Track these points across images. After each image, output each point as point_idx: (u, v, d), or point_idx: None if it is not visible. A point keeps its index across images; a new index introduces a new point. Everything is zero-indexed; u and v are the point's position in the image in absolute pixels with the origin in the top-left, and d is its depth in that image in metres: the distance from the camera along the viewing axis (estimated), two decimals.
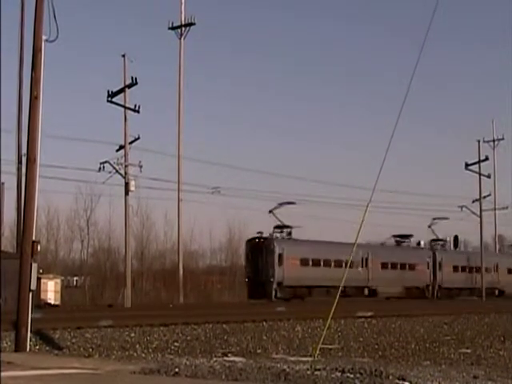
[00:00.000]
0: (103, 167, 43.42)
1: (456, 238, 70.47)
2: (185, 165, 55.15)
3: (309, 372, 12.94)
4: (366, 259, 59.20)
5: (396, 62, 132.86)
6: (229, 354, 18.10)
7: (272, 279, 52.84)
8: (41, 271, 37.34)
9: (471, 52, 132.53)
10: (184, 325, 24.99)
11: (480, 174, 64.41)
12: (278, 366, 13.80)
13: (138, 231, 64.89)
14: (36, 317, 18.95)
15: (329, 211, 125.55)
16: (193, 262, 68.16)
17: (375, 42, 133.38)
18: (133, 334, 22.21)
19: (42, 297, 42.49)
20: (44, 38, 17.22)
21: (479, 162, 64.15)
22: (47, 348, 18.85)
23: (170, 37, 56.76)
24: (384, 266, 61.09)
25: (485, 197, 66.12)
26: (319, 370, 13.22)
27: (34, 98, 17.17)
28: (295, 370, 13.07)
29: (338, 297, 18.27)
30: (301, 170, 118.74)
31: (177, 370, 13.11)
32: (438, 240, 68.31)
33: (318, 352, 17.40)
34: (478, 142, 65.11)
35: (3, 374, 11.83)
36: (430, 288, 64.67)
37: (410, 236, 66.22)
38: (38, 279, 21.94)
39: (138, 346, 19.79)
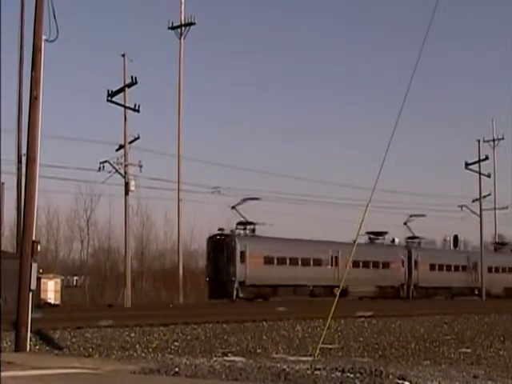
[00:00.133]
0: (103, 167, 43.44)
1: (456, 237, 70.45)
2: (185, 165, 55.19)
3: (309, 372, 12.94)
4: (336, 257, 57.12)
5: (396, 61, 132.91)
6: (229, 354, 18.10)
7: (233, 278, 50.55)
8: (41, 271, 37.34)
9: (471, 52, 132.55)
10: (184, 325, 25.00)
11: (480, 174, 64.41)
12: (278, 365, 13.81)
13: (138, 231, 64.99)
14: (36, 317, 18.94)
15: (329, 211, 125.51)
16: (193, 262, 68.16)
17: (375, 42, 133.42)
18: (133, 334, 22.22)
19: (42, 296, 42.50)
20: (44, 37, 17.22)
21: (479, 161, 64.16)
22: (47, 348, 18.85)
23: (169, 37, 56.77)
24: (355, 264, 57.35)
25: (485, 196, 66.12)
26: (319, 369, 13.23)
27: (33, 98, 17.17)
28: (295, 370, 13.07)
29: (337, 297, 18.26)
30: (301, 170, 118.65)
31: (177, 369, 13.12)
32: (415, 237, 66.00)
33: (317, 352, 17.40)
34: (478, 141, 65.13)
35: (3, 373, 11.83)
36: (405, 287, 62.59)
37: (385, 233, 63.76)
38: (38, 279, 21.95)
39: (137, 345, 19.79)
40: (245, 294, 50.68)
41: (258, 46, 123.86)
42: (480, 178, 64.53)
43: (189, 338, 22.23)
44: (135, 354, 17.45)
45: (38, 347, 18.65)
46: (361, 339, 23.24)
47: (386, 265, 60.95)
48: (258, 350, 19.56)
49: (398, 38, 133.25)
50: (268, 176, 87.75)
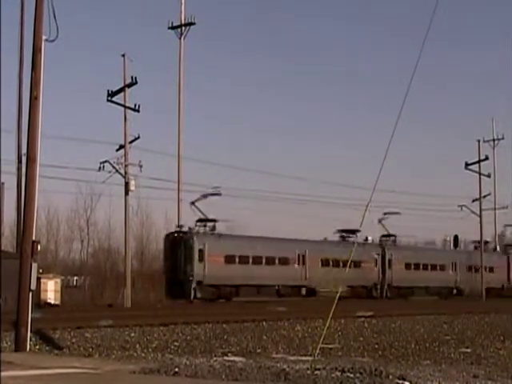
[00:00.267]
0: (103, 167, 43.42)
1: (456, 237, 70.41)
2: (185, 165, 55.29)
3: (309, 371, 12.94)
4: (303, 256, 55.09)
5: (396, 61, 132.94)
6: (229, 354, 18.09)
7: (191, 278, 48.29)
8: (41, 271, 37.30)
9: (471, 52, 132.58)
10: (184, 325, 25.02)
11: (480, 174, 64.41)
12: (278, 365, 13.81)
13: (138, 231, 64.90)
14: (36, 317, 18.96)
15: (329, 211, 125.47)
16: None
17: (375, 42, 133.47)
18: (133, 334, 22.23)
19: (42, 297, 42.45)
20: (44, 37, 17.23)
21: (479, 161, 64.17)
22: (47, 348, 18.84)
23: (170, 37, 56.85)
24: (324, 263, 56.62)
25: (485, 196, 66.12)
26: (319, 369, 13.23)
27: (33, 98, 17.18)
28: (295, 370, 13.07)
29: (337, 297, 18.25)
30: (301, 170, 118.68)
31: (177, 369, 13.13)
32: (389, 235, 63.72)
33: (317, 351, 17.40)
34: (478, 141, 65.13)
35: (3, 373, 11.83)
36: (379, 287, 60.61)
37: (357, 231, 60.02)
38: (38, 279, 21.99)
39: (137, 345, 19.78)
40: (203, 295, 48.60)
41: (258, 46, 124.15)
42: (480, 178, 64.55)
43: (189, 337, 22.23)
44: (135, 354, 17.45)
45: (37, 347, 18.64)
46: (361, 339, 23.23)
47: (357, 264, 58.10)
48: (258, 350, 19.55)
49: (398, 38, 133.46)
50: (268, 176, 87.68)
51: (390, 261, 61.35)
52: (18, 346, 16.67)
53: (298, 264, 54.77)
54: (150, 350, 18.94)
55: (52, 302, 43.34)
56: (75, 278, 64.19)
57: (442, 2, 17.43)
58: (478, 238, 67.39)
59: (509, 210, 72.26)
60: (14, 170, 39.53)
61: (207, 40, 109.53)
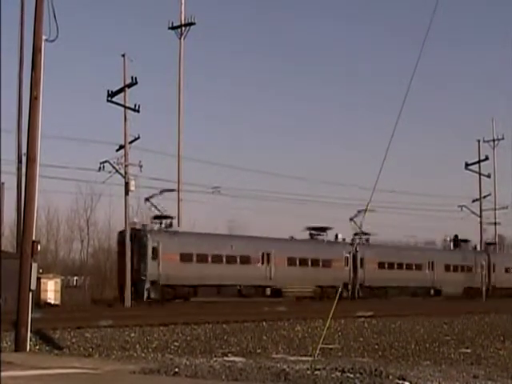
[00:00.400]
0: (103, 167, 43.50)
1: (456, 237, 70.33)
2: (185, 165, 55.34)
3: (309, 372, 12.94)
4: (268, 255, 52.37)
5: (396, 61, 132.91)
6: (229, 354, 18.09)
7: (143, 277, 45.88)
8: (41, 271, 37.30)
9: (471, 52, 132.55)
10: (184, 325, 25.04)
11: (480, 174, 64.48)
12: (278, 365, 13.81)
13: None
14: (36, 317, 18.96)
15: (329, 211, 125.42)
16: None
17: (375, 42, 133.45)
18: (133, 334, 22.24)
19: (42, 297, 42.48)
20: (44, 37, 17.23)
21: (479, 161, 64.26)
22: (47, 348, 18.85)
23: (170, 37, 56.87)
24: (291, 262, 53.86)
25: (485, 196, 66.18)
26: (319, 369, 13.23)
27: (33, 98, 17.18)
28: (295, 370, 13.07)
29: (337, 296, 18.25)
30: (301, 170, 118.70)
31: (177, 369, 13.13)
32: (362, 233, 61.07)
33: (317, 352, 17.39)
34: (478, 141, 65.25)
35: (3, 373, 11.83)
36: (350, 287, 57.29)
37: (327, 229, 58.69)
38: (38, 279, 21.99)
39: (137, 345, 19.79)
40: (158, 295, 46.25)
41: (258, 46, 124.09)
42: (480, 178, 64.63)
43: (189, 338, 22.24)
44: (135, 354, 17.45)
45: (37, 347, 18.65)
46: (361, 339, 23.23)
47: (326, 263, 56.18)
48: (258, 350, 19.55)
49: (398, 38, 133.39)
50: (268, 176, 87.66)
51: (362, 260, 58.76)
52: (18, 346, 16.67)
53: (262, 263, 52.16)
54: (150, 350, 18.94)
55: (52, 302, 43.37)
56: (75, 278, 64.16)
57: (442, 2, 17.42)
58: (470, 237, 67.08)
59: (509, 210, 72.30)
60: (14, 170, 39.61)
61: (207, 40, 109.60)
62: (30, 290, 16.71)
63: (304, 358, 16.60)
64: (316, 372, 12.93)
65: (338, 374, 12.77)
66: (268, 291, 52.21)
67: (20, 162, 37.67)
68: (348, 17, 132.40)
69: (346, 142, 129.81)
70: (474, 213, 65.45)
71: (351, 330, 26.08)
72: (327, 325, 18.25)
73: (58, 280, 45.23)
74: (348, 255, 58.10)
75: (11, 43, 40.43)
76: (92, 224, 64.12)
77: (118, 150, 44.15)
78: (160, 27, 76.17)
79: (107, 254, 63.70)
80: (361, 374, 12.71)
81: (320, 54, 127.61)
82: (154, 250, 46.62)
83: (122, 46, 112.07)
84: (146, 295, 45.71)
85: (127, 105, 43.93)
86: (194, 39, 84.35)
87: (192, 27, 55.46)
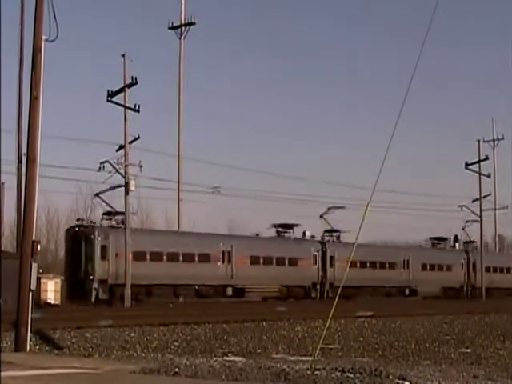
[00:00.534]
0: (103, 167, 43.44)
1: (456, 237, 70.25)
2: (185, 165, 55.42)
3: (309, 372, 12.94)
4: (229, 252, 49.85)
5: (396, 61, 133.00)
6: (229, 354, 18.10)
7: (92, 277, 43.50)
8: (41, 271, 37.26)
9: (471, 52, 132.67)
10: (184, 325, 25.04)
11: (480, 174, 64.38)
12: (278, 365, 13.81)
13: None
14: (36, 317, 18.96)
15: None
16: None
17: (375, 42, 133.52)
18: (133, 334, 22.24)
19: (42, 296, 42.45)
20: (44, 37, 17.23)
21: (479, 161, 64.13)
22: (47, 348, 18.86)
23: (170, 37, 56.95)
24: (254, 260, 51.11)
25: (485, 196, 66.05)
26: (319, 369, 13.23)
27: (33, 98, 17.18)
28: (295, 370, 13.07)
29: (337, 296, 18.25)
30: (301, 170, 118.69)
31: (177, 369, 13.13)
32: (332, 231, 58.12)
33: (317, 352, 17.40)
34: (478, 141, 65.07)
35: (3, 373, 11.83)
36: (318, 286, 54.99)
37: (295, 225, 56.11)
38: (38, 279, 21.98)
39: (137, 345, 19.80)
40: (107, 296, 43.67)
41: (258, 46, 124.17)
42: (480, 178, 64.50)
43: (189, 338, 22.24)
44: (135, 354, 17.46)
45: (37, 347, 18.66)
46: (361, 339, 23.24)
47: (292, 261, 53.54)
48: (258, 350, 19.56)
49: (398, 38, 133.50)
50: (268, 176, 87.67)
51: (331, 258, 55.74)
52: (18, 346, 16.67)
53: (223, 261, 49.62)
54: (149, 350, 18.95)
55: (52, 301, 43.33)
56: None
57: (442, 2, 17.44)
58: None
59: (509, 210, 72.29)
60: (14, 170, 39.58)
61: (207, 40, 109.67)
62: (29, 289, 16.71)
63: (304, 358, 16.61)
64: (316, 372, 12.93)
65: (338, 373, 12.77)
66: (229, 291, 49.89)
67: (20, 162, 37.66)
68: (348, 17, 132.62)
69: (346, 142, 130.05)
70: (474, 213, 65.35)
71: (351, 330, 26.09)
72: (327, 325, 18.26)
73: (58, 280, 45.16)
74: (316, 253, 55.58)
75: (11, 43, 40.41)
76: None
77: (117, 150, 44.11)
78: (160, 27, 76.24)
79: None
80: (361, 373, 12.72)
81: (320, 54, 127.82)
82: (104, 248, 44.29)
83: (122, 46, 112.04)
84: (94, 295, 43.52)
85: (127, 105, 43.89)
86: (193, 39, 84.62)
87: (192, 27, 55.59)
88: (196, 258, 48.29)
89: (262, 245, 53.31)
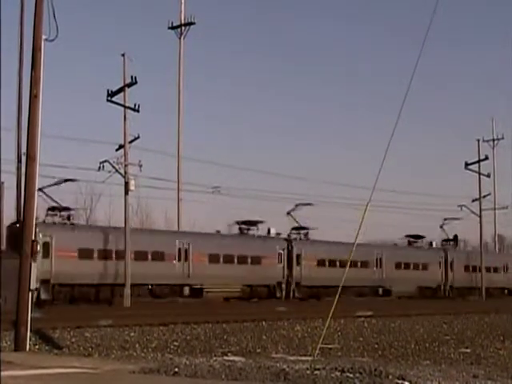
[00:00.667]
0: (103, 166, 43.43)
1: (456, 237, 70.25)
2: (185, 165, 55.45)
3: (308, 371, 12.94)
4: (186, 250, 48.06)
5: (396, 61, 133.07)
6: (228, 354, 18.10)
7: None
8: None
9: (471, 52, 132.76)
10: (184, 324, 25.02)
11: (480, 174, 64.41)
12: (278, 365, 13.81)
13: None
14: (36, 316, 18.96)
15: (329, 211, 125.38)
16: None
17: (375, 42, 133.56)
18: (132, 334, 22.23)
19: None
20: (44, 37, 17.23)
21: (479, 161, 64.17)
22: (47, 347, 18.85)
23: (170, 37, 56.97)
24: (213, 259, 49.31)
25: (484, 196, 66.10)
26: (319, 369, 13.22)
27: (33, 97, 17.18)
28: (295, 370, 13.07)
29: (337, 296, 18.24)
30: (301, 170, 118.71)
31: (176, 369, 13.12)
32: (300, 228, 56.13)
33: (317, 351, 17.39)
34: (478, 141, 65.15)
35: (3, 373, 11.82)
36: (284, 286, 53.01)
37: (258, 222, 53.99)
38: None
39: (137, 345, 19.79)
40: (49, 296, 41.53)
41: (258, 46, 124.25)
42: (480, 178, 64.54)
43: (188, 337, 22.23)
44: (135, 354, 17.45)
45: (37, 347, 18.65)
46: (361, 339, 23.23)
47: (256, 260, 51.37)
48: (258, 350, 19.55)
49: (398, 38, 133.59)
50: (268, 176, 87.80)
51: (298, 256, 53.70)
52: (18, 346, 16.66)
53: (179, 260, 47.77)
54: (149, 349, 18.94)
55: None
56: None
57: (442, 2, 17.43)
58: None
59: (509, 210, 72.33)
60: (13, 169, 39.57)
61: (207, 40, 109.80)
62: (29, 289, 16.71)
63: (304, 358, 16.60)
64: (316, 372, 12.92)
65: (338, 373, 12.77)
66: (186, 291, 48.08)
67: (20, 161, 37.65)
68: (348, 17, 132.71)
69: (346, 142, 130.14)
70: (473, 212, 65.39)
71: (351, 330, 26.08)
72: (327, 324, 18.25)
73: None
74: (282, 251, 53.33)
75: (11, 42, 40.40)
76: (92, 223, 64.14)
77: (117, 150, 44.12)
78: (160, 27, 76.21)
79: None
80: (360, 373, 12.71)
81: (320, 54, 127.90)
82: (46, 246, 41.52)
83: (122, 46, 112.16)
84: (35, 296, 40.34)
85: (127, 104, 43.89)
86: (193, 39, 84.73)
87: (192, 27, 55.61)
88: (149, 256, 46.59)
89: (223, 242, 51.05)
